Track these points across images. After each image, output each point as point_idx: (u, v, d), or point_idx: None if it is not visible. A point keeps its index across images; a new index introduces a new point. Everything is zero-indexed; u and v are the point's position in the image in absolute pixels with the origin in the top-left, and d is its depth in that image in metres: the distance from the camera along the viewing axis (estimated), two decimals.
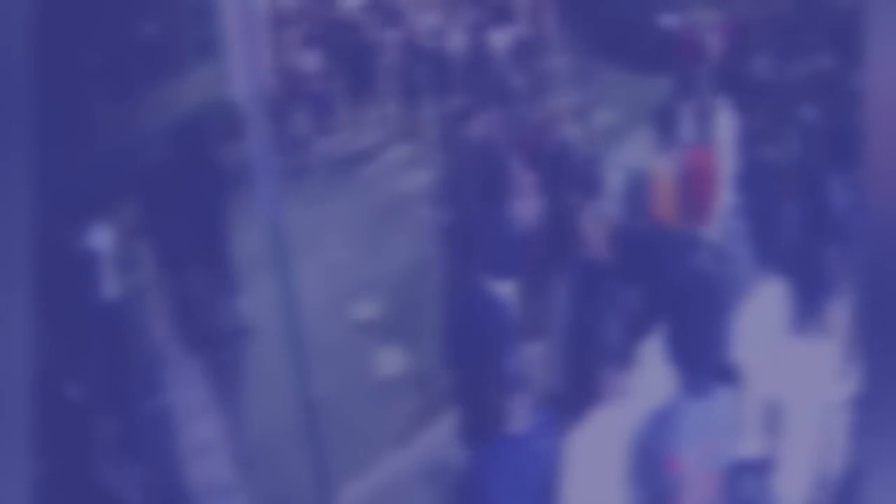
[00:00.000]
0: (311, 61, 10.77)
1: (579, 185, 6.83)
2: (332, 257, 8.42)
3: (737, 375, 4.93)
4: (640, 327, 5.40)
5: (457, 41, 10.69)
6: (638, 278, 5.79)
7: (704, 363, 4.65)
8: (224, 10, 9.52)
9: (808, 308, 5.30)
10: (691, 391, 4.59)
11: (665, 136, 7.51)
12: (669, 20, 10.77)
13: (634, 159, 8.86)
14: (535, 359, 5.91)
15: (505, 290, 6.07)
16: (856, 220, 5.62)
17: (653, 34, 11.04)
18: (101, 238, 6.71)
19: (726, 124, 7.64)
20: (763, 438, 4.64)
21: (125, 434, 5.30)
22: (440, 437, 6.02)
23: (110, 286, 6.54)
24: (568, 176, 6.95)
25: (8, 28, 2.95)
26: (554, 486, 4.36)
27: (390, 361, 6.69)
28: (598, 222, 6.35)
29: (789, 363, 4.86)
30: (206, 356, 6.76)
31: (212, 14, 9.44)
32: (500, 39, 10.50)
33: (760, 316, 5.24)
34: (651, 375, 4.75)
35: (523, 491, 4.32)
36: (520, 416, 4.33)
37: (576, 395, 4.84)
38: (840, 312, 4.93)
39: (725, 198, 7.00)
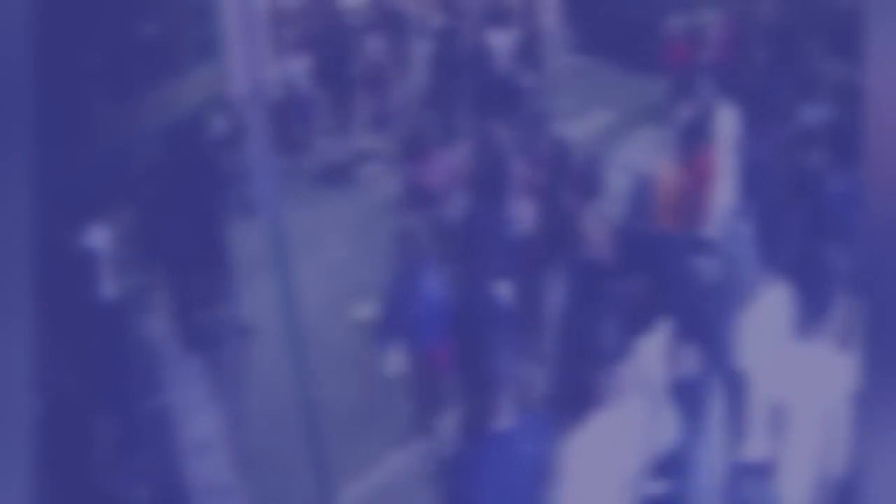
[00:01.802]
0: (302, 64, 10.72)
1: (579, 186, 6.83)
2: (332, 257, 8.42)
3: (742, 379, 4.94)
4: (638, 327, 5.41)
5: (456, 42, 10.65)
6: (639, 279, 5.79)
7: (707, 363, 4.66)
8: (224, 10, 9.52)
9: (812, 311, 5.30)
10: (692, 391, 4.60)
11: (670, 139, 7.51)
12: (669, 21, 10.75)
13: (635, 160, 8.86)
14: (531, 358, 5.91)
15: (502, 290, 6.08)
16: (857, 221, 5.60)
17: (653, 34, 11.02)
18: (100, 238, 6.71)
19: (727, 126, 7.63)
20: (767, 441, 4.63)
21: (125, 434, 5.30)
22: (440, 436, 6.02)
23: (109, 286, 6.54)
24: (567, 176, 6.95)
25: (8, 28, 2.95)
26: (540, 485, 4.39)
27: (390, 361, 6.67)
28: (598, 223, 6.35)
29: (793, 366, 4.85)
30: (205, 356, 6.76)
31: (212, 14, 9.43)
32: (501, 40, 10.48)
33: (765, 319, 5.24)
34: (647, 376, 4.76)
35: (509, 488, 4.35)
36: (507, 415, 4.36)
37: (572, 394, 4.84)
38: (843, 314, 4.93)
39: (728, 200, 6.99)
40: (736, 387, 5.05)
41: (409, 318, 5.75)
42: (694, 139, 7.19)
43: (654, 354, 4.81)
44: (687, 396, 4.54)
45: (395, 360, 5.89)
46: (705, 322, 5.32)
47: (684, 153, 7.11)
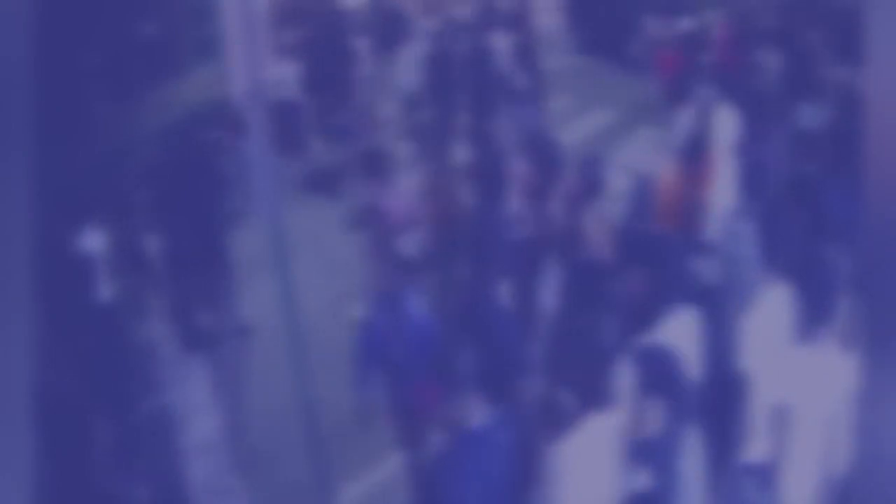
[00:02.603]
0: (292, 69, 10.61)
1: (578, 186, 6.83)
2: (332, 257, 8.41)
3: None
4: (638, 328, 5.40)
5: (454, 44, 10.60)
6: (639, 279, 5.79)
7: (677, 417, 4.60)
8: (224, 10, 9.52)
9: (813, 312, 5.29)
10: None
11: (670, 140, 7.50)
12: (659, 28, 10.75)
13: (635, 160, 8.86)
14: (528, 359, 5.88)
15: (500, 290, 6.06)
16: (857, 221, 5.60)
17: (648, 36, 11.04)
18: (99, 238, 6.70)
19: (727, 128, 7.63)
20: (769, 442, 4.61)
21: (125, 434, 5.30)
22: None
23: (109, 286, 6.54)
24: (566, 177, 6.95)
25: (8, 28, 2.95)
26: (512, 477, 4.45)
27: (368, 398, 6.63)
28: (598, 223, 6.35)
29: (795, 367, 4.85)
30: (205, 356, 6.75)
31: (212, 14, 9.43)
32: (500, 42, 10.45)
33: (766, 320, 5.23)
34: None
35: (484, 483, 4.42)
36: (477, 412, 4.42)
37: (570, 396, 4.84)
38: (845, 315, 4.92)
39: (728, 201, 6.99)
40: (736, 388, 5.04)
41: (391, 352, 5.41)
42: (693, 142, 7.20)
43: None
44: (657, 456, 4.39)
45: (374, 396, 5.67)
46: (706, 322, 5.33)
47: (684, 155, 7.12)
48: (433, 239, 6.77)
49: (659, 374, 4.51)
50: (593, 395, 4.62)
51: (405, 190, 7.07)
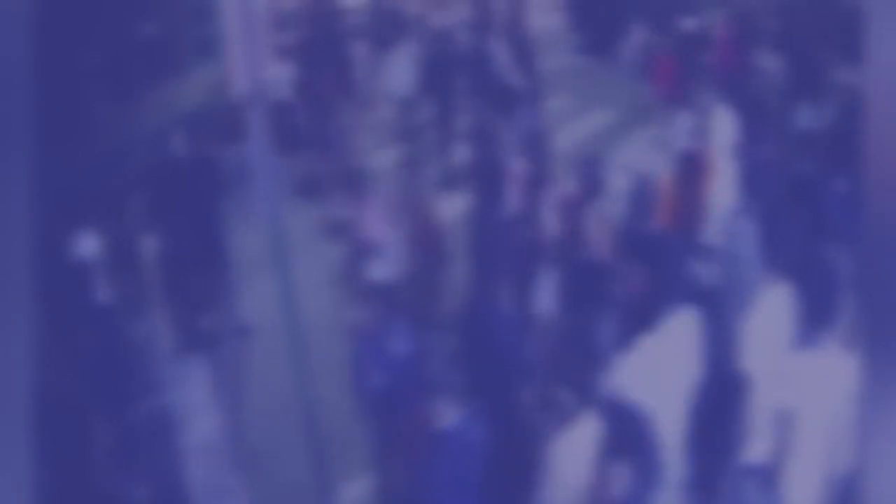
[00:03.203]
0: (285, 71, 10.52)
1: (578, 186, 6.83)
2: (332, 257, 8.40)
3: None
4: (637, 328, 5.40)
5: (453, 45, 10.56)
6: (638, 279, 5.79)
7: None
8: (224, 10, 9.49)
9: (815, 312, 5.29)
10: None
11: (669, 141, 7.50)
12: (656, 40, 10.73)
13: (635, 160, 8.86)
14: (528, 359, 5.88)
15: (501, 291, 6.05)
16: (858, 221, 5.61)
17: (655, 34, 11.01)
18: (100, 240, 6.70)
19: (726, 129, 7.63)
20: (771, 443, 4.62)
21: (126, 435, 5.30)
22: None
23: (110, 287, 6.54)
24: (566, 177, 6.96)
25: (8, 28, 2.95)
26: (487, 473, 4.50)
27: None
28: (599, 223, 6.35)
29: (797, 368, 4.85)
30: (205, 356, 6.75)
31: (212, 14, 9.43)
32: (498, 43, 10.41)
33: (768, 321, 5.23)
34: (641, 377, 4.76)
35: (460, 479, 4.50)
36: (447, 413, 4.49)
37: (568, 395, 4.85)
38: (847, 316, 4.93)
39: (728, 201, 6.99)
40: (737, 389, 5.04)
41: (380, 383, 5.43)
42: (694, 143, 7.20)
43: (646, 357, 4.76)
44: None
45: None
46: (706, 323, 5.33)
47: (684, 156, 7.12)
48: (412, 258, 6.69)
49: (625, 434, 4.43)
50: (589, 396, 4.63)
51: (383, 205, 7.02)
